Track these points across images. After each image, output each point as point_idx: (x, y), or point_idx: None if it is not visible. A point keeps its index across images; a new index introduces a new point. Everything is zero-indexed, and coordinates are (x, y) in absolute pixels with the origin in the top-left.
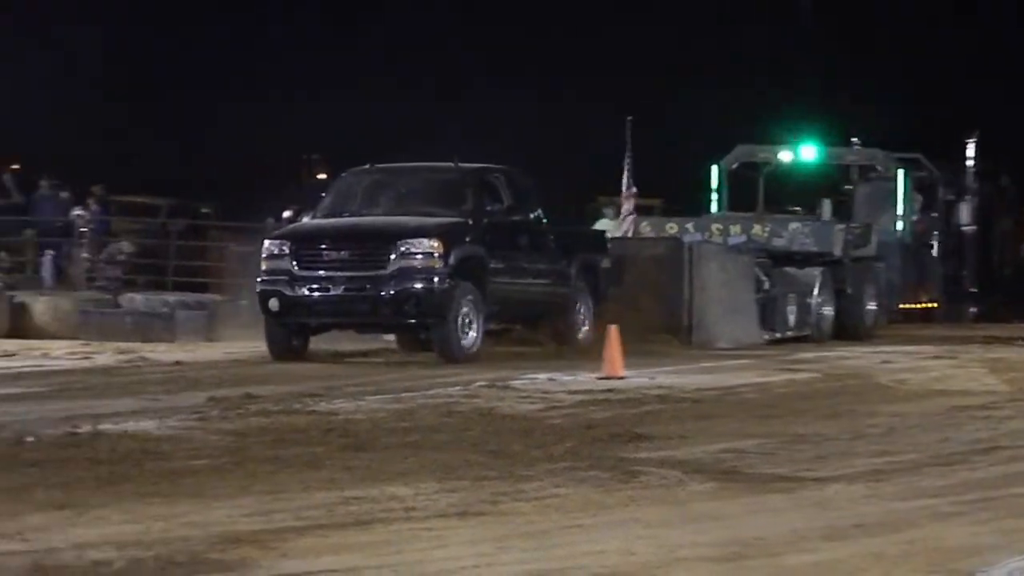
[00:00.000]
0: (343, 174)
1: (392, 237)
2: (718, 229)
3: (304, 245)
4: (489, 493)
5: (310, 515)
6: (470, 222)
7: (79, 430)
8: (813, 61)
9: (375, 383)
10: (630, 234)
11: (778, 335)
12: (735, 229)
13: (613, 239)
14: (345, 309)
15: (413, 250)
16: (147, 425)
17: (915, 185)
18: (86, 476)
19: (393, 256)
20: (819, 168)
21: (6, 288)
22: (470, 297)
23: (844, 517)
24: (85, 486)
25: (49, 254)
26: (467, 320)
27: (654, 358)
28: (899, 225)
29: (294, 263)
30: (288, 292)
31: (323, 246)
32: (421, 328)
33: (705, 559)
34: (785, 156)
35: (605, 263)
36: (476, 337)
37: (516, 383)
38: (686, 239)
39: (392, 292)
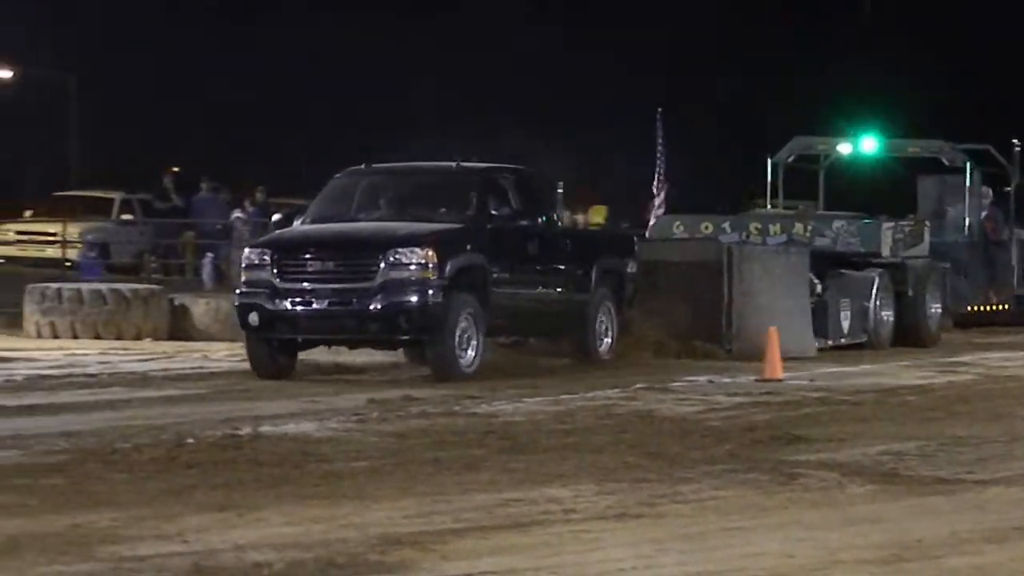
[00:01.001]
0: (336, 175)
1: (380, 246)
2: (756, 228)
3: (286, 254)
4: (647, 495)
5: (469, 517)
6: (470, 228)
7: (239, 432)
8: (872, 48)
9: (535, 385)
10: (648, 234)
11: (830, 343)
12: (775, 228)
13: (642, 241)
14: (330, 324)
15: (403, 260)
16: (307, 427)
17: (985, 179)
18: (246, 478)
19: (381, 266)
20: (880, 161)
21: (166, 290)
22: (469, 310)
23: (1004, 520)
24: (245, 488)
25: (209, 256)
26: (466, 335)
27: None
28: (966, 222)
29: (276, 274)
30: (268, 306)
31: (306, 255)
32: (415, 345)
33: (864, 562)
34: (844, 148)
35: (631, 268)
36: (476, 354)
37: (674, 385)
38: (722, 240)
39: (380, 306)
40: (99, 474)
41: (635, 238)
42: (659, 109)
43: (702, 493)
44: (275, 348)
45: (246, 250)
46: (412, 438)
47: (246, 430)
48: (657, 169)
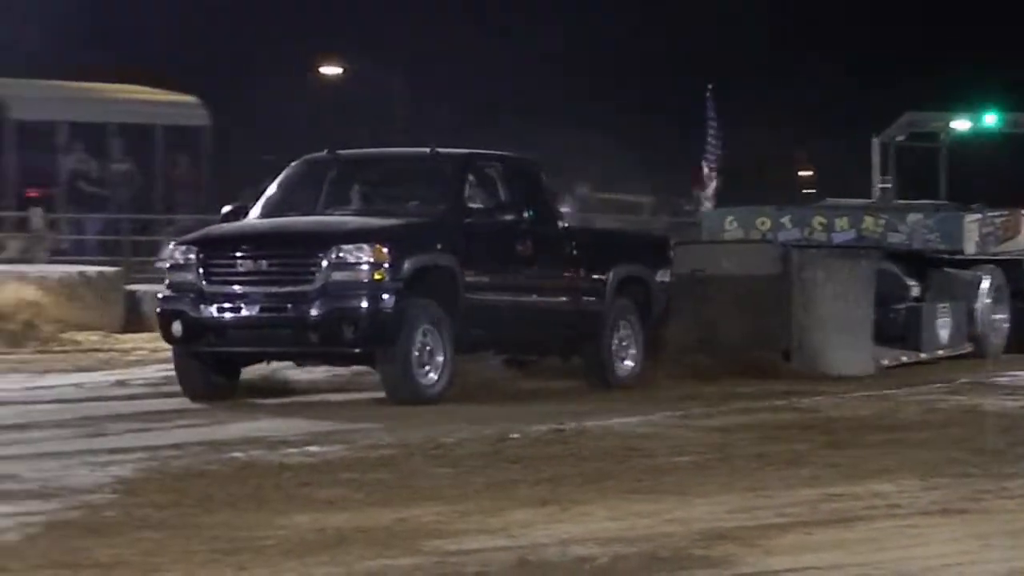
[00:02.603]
0: (293, 163)
1: (321, 242)
2: (821, 223)
3: (214, 252)
4: (972, 490)
5: (793, 512)
6: (438, 222)
7: (563, 427)
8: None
9: (856, 381)
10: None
11: (923, 355)
12: (841, 223)
13: (680, 242)
14: (262, 335)
15: (348, 259)
16: (630, 422)
17: None
18: (570, 473)
19: (323, 266)
20: (1000, 139)
21: None
22: (431, 319)
23: None
24: (569, 483)
25: None
26: (427, 350)
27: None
28: None
29: (202, 275)
30: (192, 313)
31: (237, 254)
32: (365, 360)
33: None
34: (961, 125)
35: (662, 277)
36: (443, 372)
37: (1000, 380)
38: (781, 236)
39: (320, 313)
40: (424, 469)
41: (670, 241)
42: (709, 85)
43: None
44: (208, 364)
45: (170, 246)
46: (735, 433)
47: (570, 425)
48: (706, 154)
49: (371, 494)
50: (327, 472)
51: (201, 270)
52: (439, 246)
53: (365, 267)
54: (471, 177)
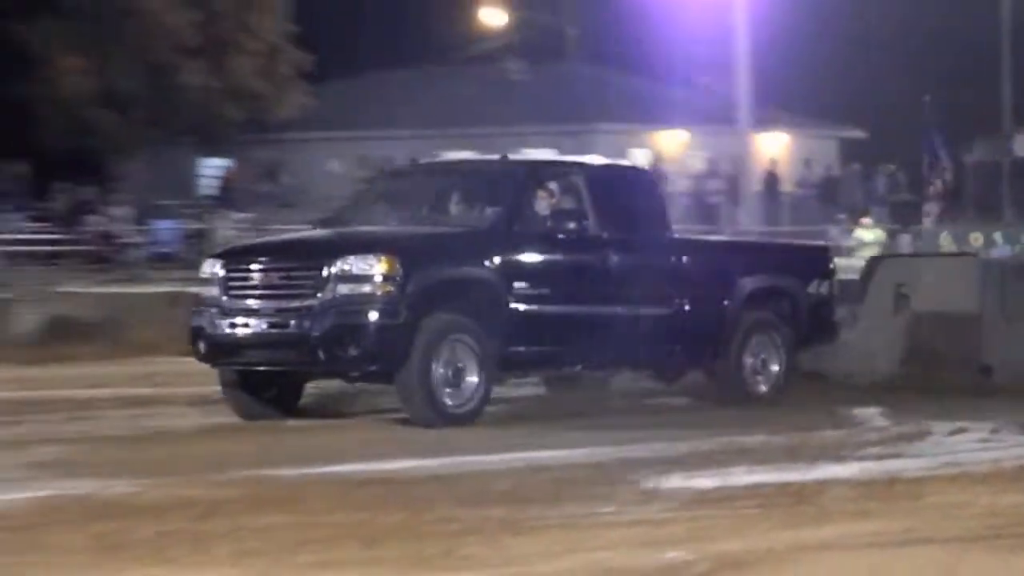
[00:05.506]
0: (377, 174)
1: (327, 253)
2: None
3: (234, 266)
4: None
5: None
6: (478, 232)
7: None
8: None
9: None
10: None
11: None
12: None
13: (883, 256)
14: (272, 352)
15: (353, 271)
16: None
17: None
18: None
19: (328, 278)
20: None
21: None
22: (458, 335)
23: None
24: None
25: None
26: (453, 368)
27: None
28: None
29: (224, 289)
30: (210, 329)
31: (251, 267)
32: (384, 378)
33: None
34: None
35: (816, 287)
36: (474, 391)
37: None
38: (995, 253)
39: (320, 329)
40: None
41: (828, 250)
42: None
43: None
44: (248, 383)
45: (204, 261)
46: None
47: None
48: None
49: None
50: None
51: (223, 284)
52: (475, 257)
53: (372, 279)
54: (550, 185)
